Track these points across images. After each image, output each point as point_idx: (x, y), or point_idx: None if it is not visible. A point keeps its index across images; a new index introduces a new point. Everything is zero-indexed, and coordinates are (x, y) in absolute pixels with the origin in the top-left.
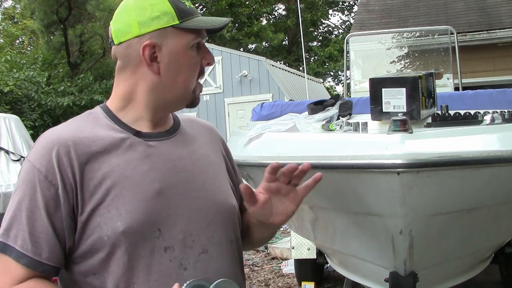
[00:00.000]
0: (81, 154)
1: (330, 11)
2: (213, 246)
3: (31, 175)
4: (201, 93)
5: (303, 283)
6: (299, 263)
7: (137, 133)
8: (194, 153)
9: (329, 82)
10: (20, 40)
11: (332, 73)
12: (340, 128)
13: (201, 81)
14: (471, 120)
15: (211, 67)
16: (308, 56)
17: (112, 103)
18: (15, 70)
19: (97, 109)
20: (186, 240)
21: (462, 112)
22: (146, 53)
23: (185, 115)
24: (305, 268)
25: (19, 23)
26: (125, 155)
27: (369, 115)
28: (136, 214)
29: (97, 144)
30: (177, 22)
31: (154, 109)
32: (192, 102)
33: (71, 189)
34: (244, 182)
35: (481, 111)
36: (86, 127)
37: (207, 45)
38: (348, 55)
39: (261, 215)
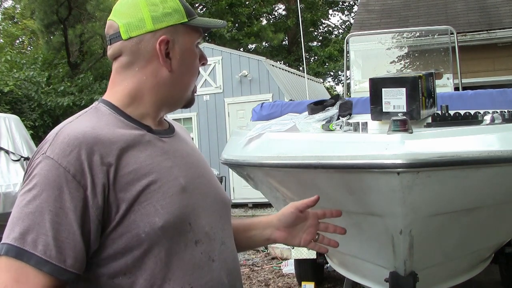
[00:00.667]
0: (110, 152)
1: (330, 11)
2: (227, 238)
3: (56, 174)
4: (201, 94)
5: (303, 283)
6: (299, 263)
7: (150, 130)
8: (194, 150)
9: (329, 82)
10: (20, 40)
11: (332, 73)
12: (340, 128)
13: (200, 81)
14: (471, 120)
15: (211, 67)
16: (308, 56)
17: (116, 99)
18: (15, 70)
19: (100, 106)
20: (210, 233)
21: (462, 112)
22: (162, 48)
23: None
24: (305, 268)
25: (19, 23)
26: (147, 151)
27: (369, 115)
28: (172, 209)
29: (120, 140)
30: (186, 20)
31: (159, 106)
32: (190, 102)
33: (102, 189)
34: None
35: (481, 111)
36: (101, 123)
37: (208, 44)
38: (348, 55)
39: (288, 222)
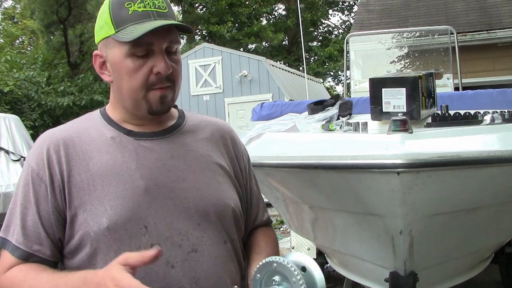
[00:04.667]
0: (70, 152)
1: (330, 11)
2: (204, 246)
3: (26, 173)
4: (201, 94)
5: None
6: None
7: (129, 132)
8: (191, 152)
9: (329, 82)
10: (20, 40)
11: (332, 73)
12: (340, 128)
13: (200, 81)
14: (471, 120)
15: (211, 67)
16: (308, 56)
17: (108, 104)
18: (15, 70)
19: (97, 110)
20: (174, 238)
21: (462, 112)
22: (96, 61)
23: (195, 113)
24: None
25: (19, 23)
26: (114, 153)
27: (369, 115)
28: (121, 210)
29: (87, 142)
30: (114, 32)
31: (125, 112)
32: (149, 111)
33: (58, 185)
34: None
35: (481, 111)
36: (81, 127)
37: (208, 44)
38: (348, 55)
39: None
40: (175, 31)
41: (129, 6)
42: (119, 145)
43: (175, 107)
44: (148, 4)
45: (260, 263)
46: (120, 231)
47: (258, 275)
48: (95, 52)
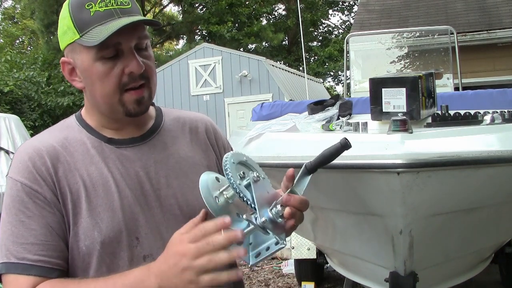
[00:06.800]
0: (55, 164)
1: (330, 11)
2: None
3: (16, 191)
4: (201, 94)
5: (303, 283)
6: (299, 263)
7: (109, 140)
8: (172, 156)
9: (329, 82)
10: (20, 40)
11: (332, 73)
12: (340, 128)
13: (200, 81)
14: (471, 120)
15: (211, 67)
16: (308, 56)
17: (83, 109)
18: (15, 70)
19: (72, 117)
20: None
21: (462, 112)
22: (65, 69)
23: (173, 109)
24: (305, 268)
25: (19, 23)
26: (98, 164)
27: (369, 115)
28: (112, 223)
29: (70, 152)
30: (78, 36)
31: (102, 116)
32: (127, 113)
33: (55, 196)
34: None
35: (481, 111)
36: (60, 136)
37: (208, 44)
38: (348, 55)
39: None
40: (142, 26)
41: (90, 7)
42: (102, 155)
43: (152, 104)
44: (110, 2)
45: (230, 159)
46: (113, 244)
47: (232, 175)
48: (62, 59)
